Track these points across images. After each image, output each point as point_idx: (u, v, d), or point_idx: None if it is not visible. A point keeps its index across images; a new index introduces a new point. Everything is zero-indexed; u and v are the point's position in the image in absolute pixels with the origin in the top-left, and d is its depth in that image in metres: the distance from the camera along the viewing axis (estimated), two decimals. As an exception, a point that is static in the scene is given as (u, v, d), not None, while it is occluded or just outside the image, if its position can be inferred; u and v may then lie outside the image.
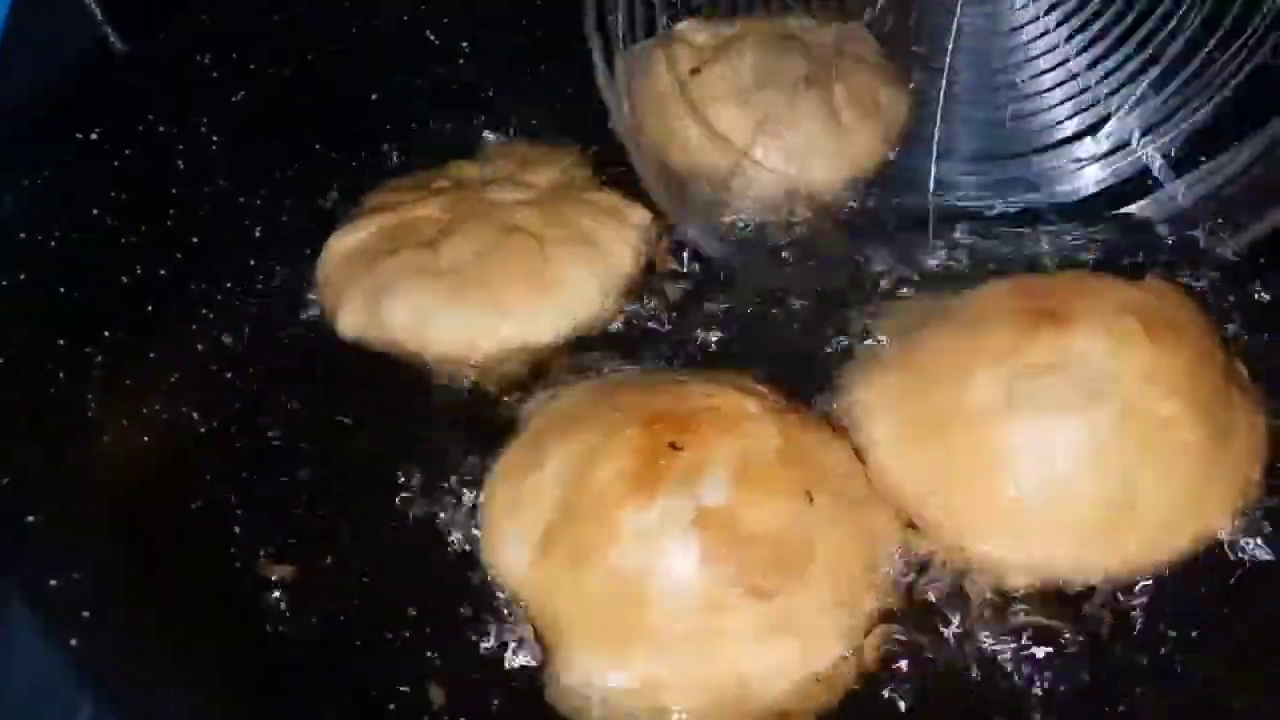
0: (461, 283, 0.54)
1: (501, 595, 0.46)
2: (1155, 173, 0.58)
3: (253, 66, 0.57)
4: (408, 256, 0.54)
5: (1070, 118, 0.61)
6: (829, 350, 0.53)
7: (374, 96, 0.62)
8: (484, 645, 0.45)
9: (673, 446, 0.45)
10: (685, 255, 0.57)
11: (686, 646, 0.44)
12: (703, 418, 0.47)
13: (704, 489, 0.45)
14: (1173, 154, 0.58)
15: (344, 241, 0.56)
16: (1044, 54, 0.62)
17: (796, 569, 0.44)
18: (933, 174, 0.57)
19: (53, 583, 0.40)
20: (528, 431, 0.51)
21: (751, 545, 0.44)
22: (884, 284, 0.55)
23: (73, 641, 0.39)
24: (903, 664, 0.44)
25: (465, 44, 0.66)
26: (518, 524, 0.47)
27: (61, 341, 0.49)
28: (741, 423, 0.47)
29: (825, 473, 0.47)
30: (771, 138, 0.59)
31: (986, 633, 0.44)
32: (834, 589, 0.45)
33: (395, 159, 0.61)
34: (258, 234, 0.58)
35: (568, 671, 0.44)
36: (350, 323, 0.54)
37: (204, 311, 0.55)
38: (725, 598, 0.44)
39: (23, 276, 0.49)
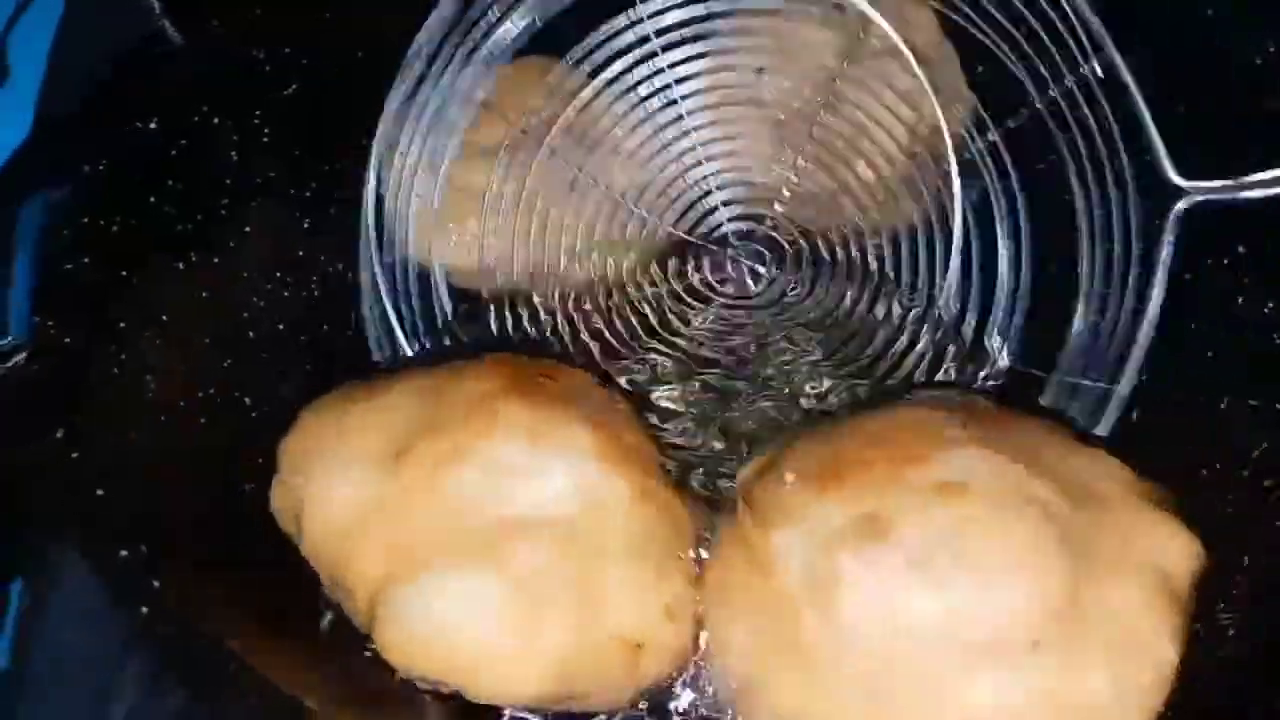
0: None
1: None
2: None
3: (305, 61, 0.58)
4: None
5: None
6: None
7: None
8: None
9: (543, 377, 0.46)
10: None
11: (557, 553, 0.41)
12: (560, 370, 0.47)
13: (581, 407, 0.44)
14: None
15: None
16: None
17: (663, 485, 0.45)
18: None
19: (123, 553, 0.41)
20: (331, 393, 0.48)
21: (635, 452, 0.44)
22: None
23: (144, 610, 0.39)
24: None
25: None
26: (344, 452, 0.44)
27: (122, 324, 0.50)
28: (594, 385, 0.49)
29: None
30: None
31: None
32: (675, 526, 0.45)
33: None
34: (306, 225, 0.59)
35: (410, 600, 0.40)
36: None
37: (255, 299, 0.56)
38: (606, 495, 0.42)
39: (86, 260, 0.50)
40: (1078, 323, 0.55)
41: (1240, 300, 0.51)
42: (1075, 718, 0.39)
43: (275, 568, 0.46)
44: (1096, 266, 0.55)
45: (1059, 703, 0.39)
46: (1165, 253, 0.53)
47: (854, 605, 0.40)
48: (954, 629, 0.40)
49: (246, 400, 0.53)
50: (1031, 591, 0.40)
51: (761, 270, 0.61)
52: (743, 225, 0.62)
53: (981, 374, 0.57)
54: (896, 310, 0.59)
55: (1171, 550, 0.43)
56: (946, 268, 0.58)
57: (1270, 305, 0.50)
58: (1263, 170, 0.50)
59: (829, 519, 0.42)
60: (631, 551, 0.43)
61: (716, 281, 0.61)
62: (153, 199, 0.54)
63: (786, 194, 0.61)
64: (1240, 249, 0.52)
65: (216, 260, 0.55)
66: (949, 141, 0.56)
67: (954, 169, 0.57)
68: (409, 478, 0.42)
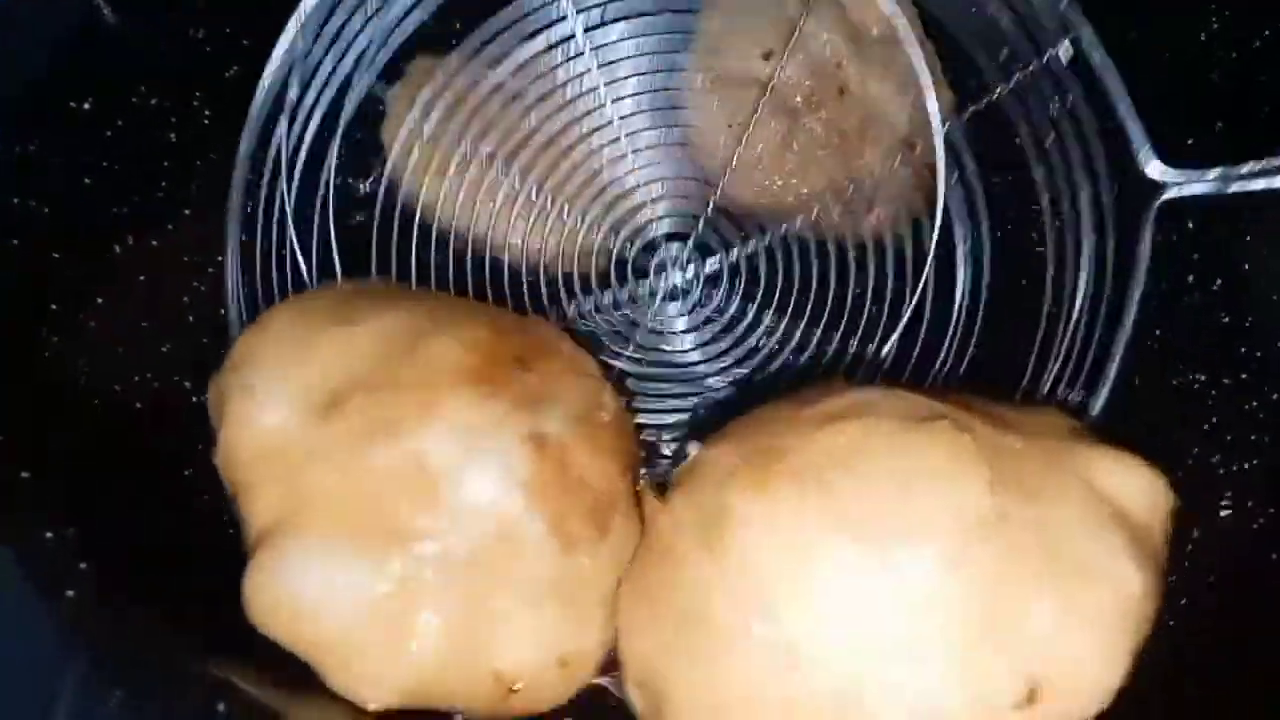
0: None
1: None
2: None
3: (246, 43, 0.58)
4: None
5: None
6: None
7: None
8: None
9: (520, 363, 0.42)
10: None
11: (455, 570, 0.38)
12: (552, 350, 0.44)
13: (545, 416, 0.41)
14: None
15: None
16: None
17: (601, 533, 0.41)
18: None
19: (48, 535, 0.40)
20: (326, 290, 0.46)
21: (579, 488, 0.40)
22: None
23: (69, 593, 0.39)
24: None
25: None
26: (283, 374, 0.41)
27: (55, 306, 0.49)
28: (585, 374, 0.44)
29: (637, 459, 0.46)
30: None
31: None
32: (616, 573, 0.42)
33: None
34: (249, 209, 0.58)
35: (289, 557, 0.38)
36: None
37: (196, 284, 0.55)
38: (525, 532, 0.39)
39: (15, 242, 0.49)
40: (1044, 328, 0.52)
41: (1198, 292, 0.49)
42: (1020, 654, 0.35)
43: (215, 553, 0.46)
44: (1070, 266, 0.52)
45: (991, 632, 0.35)
46: (1144, 250, 0.50)
47: (745, 540, 0.37)
48: (859, 556, 0.36)
49: (186, 384, 0.52)
50: (945, 503, 0.36)
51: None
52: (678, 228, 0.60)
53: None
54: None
55: (1125, 479, 0.39)
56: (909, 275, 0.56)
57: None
58: (1248, 162, 0.47)
59: (718, 465, 0.40)
60: (535, 598, 0.40)
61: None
62: (88, 180, 0.53)
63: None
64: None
65: (155, 243, 0.54)
66: (940, 129, 0.52)
67: (941, 157, 0.52)
68: (333, 432, 0.39)
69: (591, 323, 0.59)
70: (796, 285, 0.60)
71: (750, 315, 0.60)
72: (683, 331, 0.61)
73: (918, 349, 0.56)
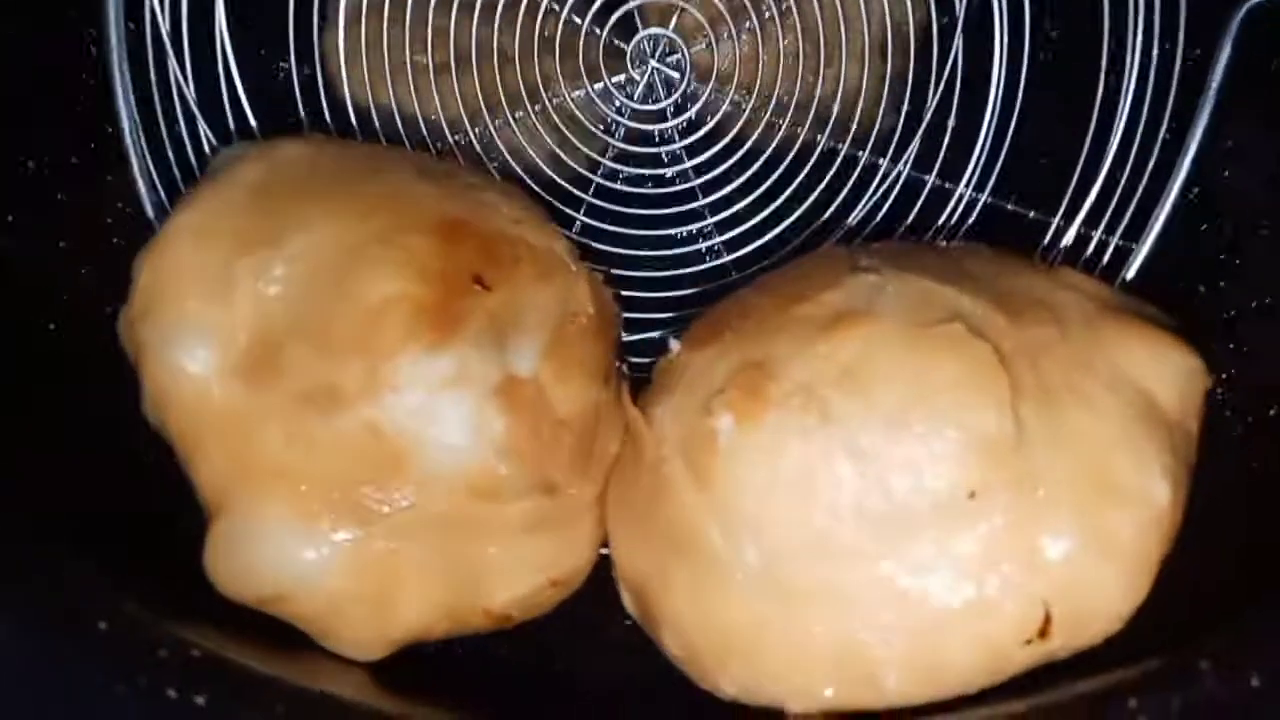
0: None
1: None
2: None
3: None
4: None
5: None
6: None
7: None
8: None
9: (478, 282, 0.36)
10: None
11: (432, 531, 0.36)
12: (515, 252, 0.37)
13: (513, 352, 0.36)
14: None
15: None
16: None
17: (585, 466, 0.38)
18: None
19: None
20: (236, 179, 0.38)
21: (557, 434, 0.37)
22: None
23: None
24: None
25: None
26: (204, 321, 0.36)
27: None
28: (554, 270, 0.38)
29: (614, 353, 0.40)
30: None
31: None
32: (603, 483, 0.39)
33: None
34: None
35: (251, 532, 0.35)
36: None
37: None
38: (502, 487, 0.36)
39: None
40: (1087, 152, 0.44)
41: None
42: (1033, 588, 0.33)
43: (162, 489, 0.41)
44: (1128, 81, 0.43)
45: (1009, 571, 0.32)
46: (1219, 68, 0.41)
47: (735, 472, 0.34)
48: (862, 489, 0.33)
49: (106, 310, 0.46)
50: (960, 425, 0.33)
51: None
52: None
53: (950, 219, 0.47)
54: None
55: (1156, 366, 0.35)
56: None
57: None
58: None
59: (705, 376, 0.36)
60: (521, 536, 0.37)
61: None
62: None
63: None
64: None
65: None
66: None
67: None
68: (272, 397, 0.35)
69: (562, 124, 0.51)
70: (799, 82, 0.51)
71: (744, 114, 0.52)
72: (663, 146, 0.53)
73: (937, 166, 0.48)
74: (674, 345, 0.40)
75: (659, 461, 0.37)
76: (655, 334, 0.51)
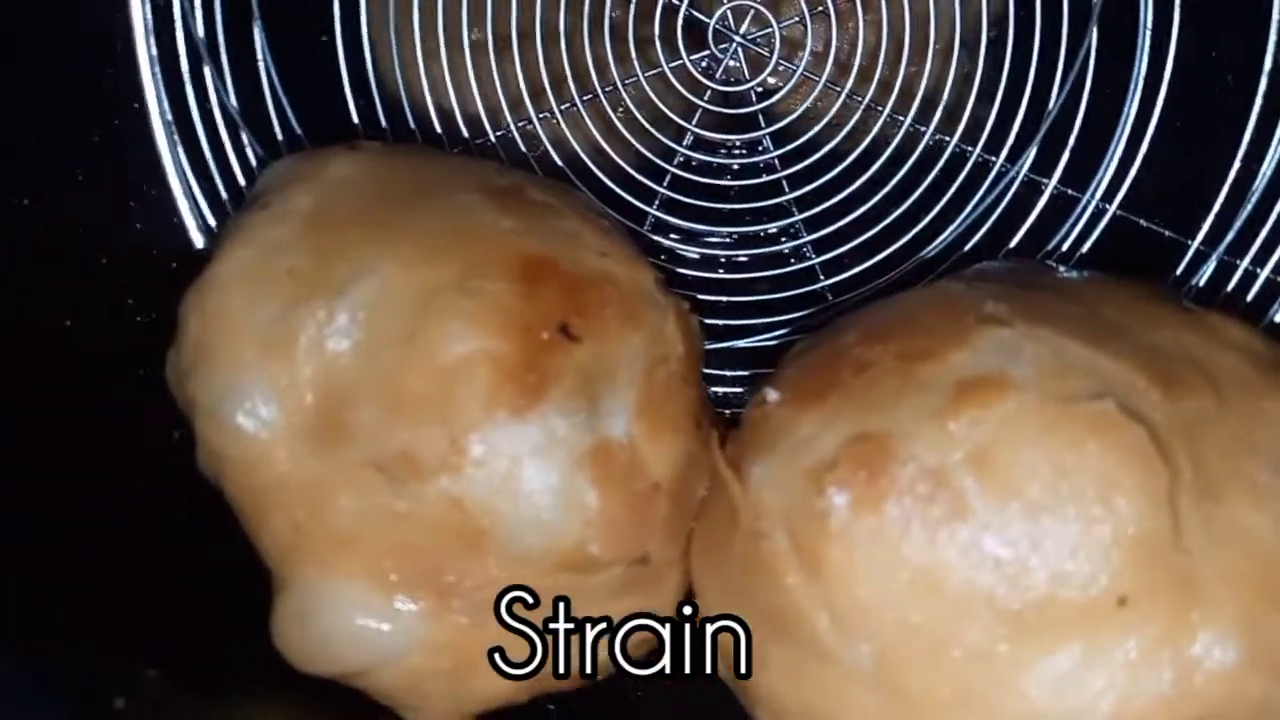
0: None
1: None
2: None
3: None
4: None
5: None
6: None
7: None
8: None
9: (564, 332, 0.33)
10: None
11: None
12: (602, 294, 0.34)
13: (604, 412, 0.33)
14: None
15: None
16: None
17: (681, 534, 0.35)
18: None
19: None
20: (288, 208, 0.35)
21: (652, 502, 0.34)
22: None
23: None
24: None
25: None
26: (264, 376, 0.33)
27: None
28: (642, 310, 0.35)
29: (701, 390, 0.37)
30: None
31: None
32: (686, 539, 0.36)
33: None
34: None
35: (325, 606, 0.33)
36: None
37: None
38: (594, 563, 0.33)
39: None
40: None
41: None
42: (1187, 708, 0.29)
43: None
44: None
45: (1163, 682, 0.29)
46: None
47: (848, 562, 0.31)
48: (995, 589, 0.30)
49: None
50: (1110, 522, 0.30)
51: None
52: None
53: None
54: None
55: None
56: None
57: None
58: None
59: (813, 443, 0.33)
60: (608, 602, 0.35)
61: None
62: None
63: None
64: None
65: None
66: None
67: None
68: (342, 462, 0.33)
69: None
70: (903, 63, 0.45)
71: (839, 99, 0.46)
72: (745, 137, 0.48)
73: (1059, 170, 0.43)
74: (772, 395, 0.36)
75: (757, 534, 0.34)
76: (733, 343, 0.47)
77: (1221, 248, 0.41)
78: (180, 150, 0.43)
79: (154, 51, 0.42)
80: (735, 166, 0.48)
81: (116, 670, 0.33)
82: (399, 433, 0.32)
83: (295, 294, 0.33)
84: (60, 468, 0.38)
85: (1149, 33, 0.42)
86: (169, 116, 0.42)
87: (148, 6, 0.41)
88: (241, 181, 0.44)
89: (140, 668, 0.33)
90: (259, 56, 0.43)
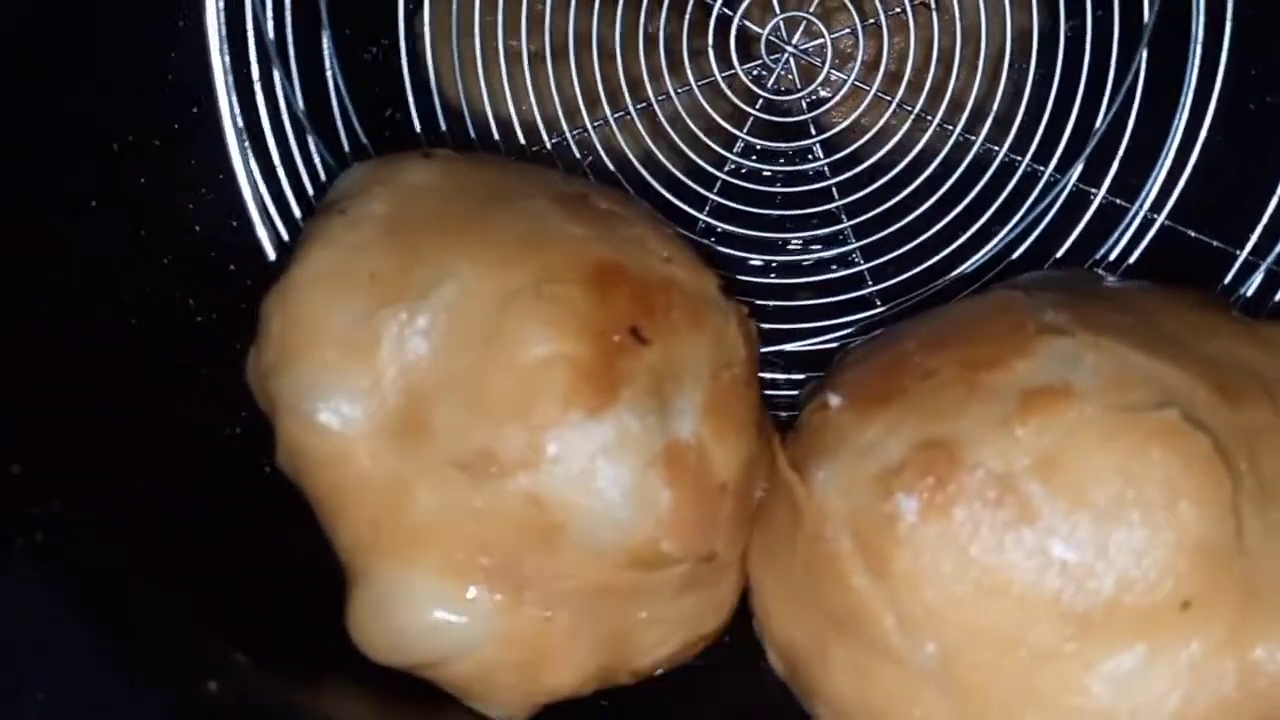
0: None
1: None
2: None
3: None
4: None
5: None
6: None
7: None
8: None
9: (635, 335, 0.34)
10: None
11: (582, 599, 0.35)
12: (668, 297, 0.35)
13: (674, 412, 0.34)
14: None
15: None
16: None
17: (745, 532, 0.36)
18: None
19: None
20: (366, 212, 0.36)
21: (719, 501, 0.35)
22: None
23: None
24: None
25: None
26: (347, 376, 0.34)
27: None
28: (706, 314, 0.36)
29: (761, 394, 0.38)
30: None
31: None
32: (748, 537, 0.37)
33: None
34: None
35: (402, 598, 0.34)
36: None
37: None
38: (664, 560, 0.34)
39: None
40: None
41: None
42: (1257, 706, 0.30)
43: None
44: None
45: (1226, 684, 0.30)
46: None
47: (915, 565, 0.32)
48: (1061, 592, 0.31)
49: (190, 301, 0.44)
50: (1176, 528, 0.31)
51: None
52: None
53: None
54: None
55: None
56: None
57: None
58: None
59: (878, 449, 0.33)
60: (673, 599, 0.36)
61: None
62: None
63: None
64: None
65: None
66: None
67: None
68: (422, 459, 0.33)
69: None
70: (955, 74, 0.46)
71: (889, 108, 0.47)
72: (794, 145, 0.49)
73: (1108, 180, 0.44)
74: (834, 400, 0.37)
75: (822, 536, 0.35)
76: (780, 347, 0.48)
77: (1271, 258, 0.41)
78: (250, 154, 0.44)
79: (227, 60, 0.42)
80: (785, 174, 0.49)
81: (209, 656, 0.34)
82: (479, 431, 0.33)
83: (377, 297, 0.34)
84: (127, 464, 0.39)
85: (1199, 46, 0.42)
86: (240, 121, 0.43)
87: (221, 13, 0.42)
88: (308, 187, 0.45)
89: (230, 654, 0.34)
90: (326, 64, 0.44)
